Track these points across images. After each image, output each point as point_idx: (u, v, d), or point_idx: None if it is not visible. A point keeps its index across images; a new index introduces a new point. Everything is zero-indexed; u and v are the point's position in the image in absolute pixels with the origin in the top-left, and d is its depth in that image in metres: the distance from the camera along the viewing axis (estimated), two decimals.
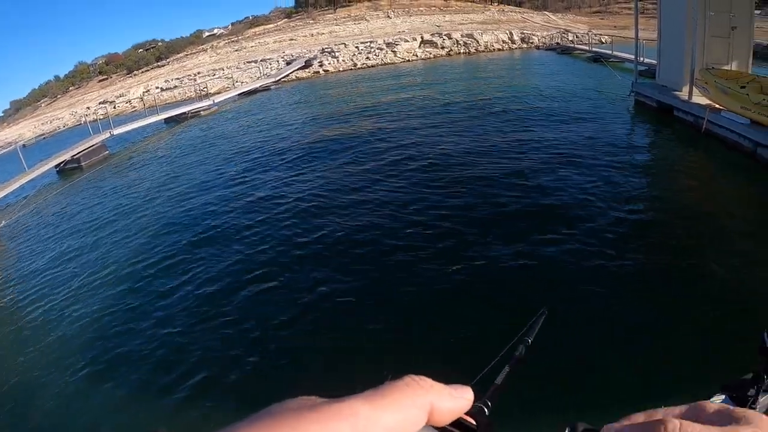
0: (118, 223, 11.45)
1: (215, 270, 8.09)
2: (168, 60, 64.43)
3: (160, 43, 77.17)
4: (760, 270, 6.43)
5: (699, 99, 12.78)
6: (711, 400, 1.46)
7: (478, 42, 45.92)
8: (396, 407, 0.36)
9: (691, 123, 12.86)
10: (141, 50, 76.79)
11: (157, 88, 44.98)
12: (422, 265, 7.47)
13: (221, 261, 8.39)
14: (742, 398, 1.53)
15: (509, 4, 68.87)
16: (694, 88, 12.93)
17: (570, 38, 43.92)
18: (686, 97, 13.30)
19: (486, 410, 0.81)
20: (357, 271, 7.59)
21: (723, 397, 1.61)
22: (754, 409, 1.45)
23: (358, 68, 41.88)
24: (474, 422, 0.46)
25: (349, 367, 5.21)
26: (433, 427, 0.41)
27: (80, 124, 28.17)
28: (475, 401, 0.80)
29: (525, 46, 45.93)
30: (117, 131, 23.49)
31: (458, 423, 0.45)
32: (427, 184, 10.77)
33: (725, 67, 13.26)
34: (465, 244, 7.92)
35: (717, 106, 11.91)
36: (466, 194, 9.97)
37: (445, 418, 0.42)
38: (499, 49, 45.60)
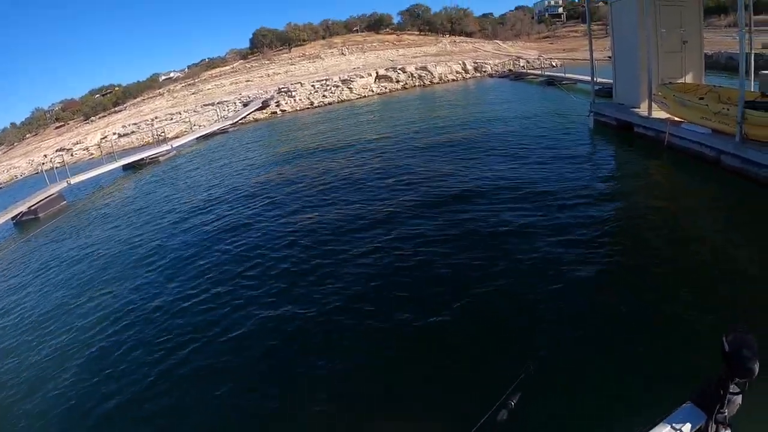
0: (73, 283, 10.69)
1: (180, 332, 7.51)
2: (125, 105, 63.25)
3: (116, 88, 75.84)
4: (731, 270, 6.68)
5: (658, 114, 12.99)
6: (680, 408, 1.56)
7: (432, 74, 46.40)
8: None
9: (652, 138, 13.00)
10: (98, 95, 75.36)
11: (114, 134, 43.86)
12: (387, 309, 7.10)
13: (186, 326, 7.78)
14: (709, 404, 1.53)
15: (460, 35, 70.27)
16: (652, 103, 13.08)
17: (522, 64, 44.93)
18: (645, 113, 13.50)
19: None
20: (320, 320, 7.16)
21: (690, 405, 1.60)
22: (722, 413, 1.50)
23: (315, 107, 41.68)
24: None
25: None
26: None
27: (37, 172, 27.12)
28: None
29: (478, 74, 46.61)
30: (74, 180, 22.61)
31: None
32: (390, 220, 10.55)
33: (680, 81, 13.50)
34: (433, 281, 7.63)
35: (677, 119, 12.14)
36: (433, 227, 9.73)
37: None
38: (453, 80, 46.12)
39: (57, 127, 65.60)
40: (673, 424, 1.56)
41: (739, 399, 1.51)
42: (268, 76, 56.86)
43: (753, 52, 11.65)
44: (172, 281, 9.42)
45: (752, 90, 11.17)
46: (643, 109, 13.90)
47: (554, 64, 42.02)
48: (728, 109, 10.33)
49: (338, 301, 7.48)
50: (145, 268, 10.43)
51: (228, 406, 5.58)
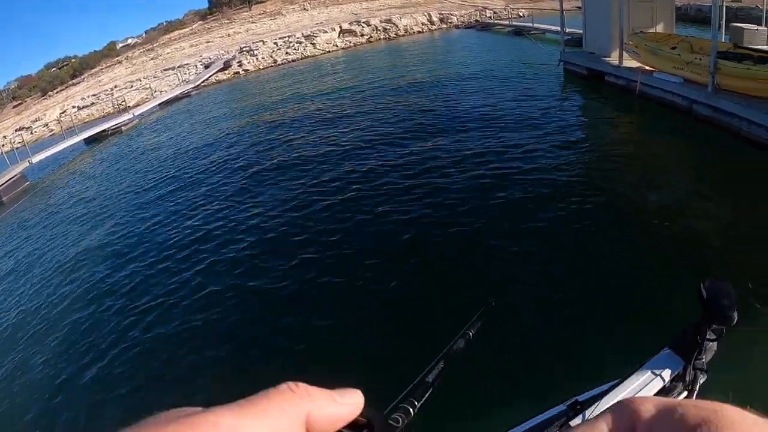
0: (44, 264, 10.33)
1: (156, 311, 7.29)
2: (83, 76, 60.71)
3: (73, 60, 72.80)
4: (701, 220, 6.79)
5: (629, 63, 12.87)
6: (658, 355, 1.61)
7: (397, 26, 45.39)
8: (263, 416, 0.34)
9: (623, 87, 12.95)
10: (54, 69, 72.32)
11: (73, 107, 42.03)
12: (360, 260, 7.23)
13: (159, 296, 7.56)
14: (687, 350, 1.57)
15: None
16: (624, 52, 12.94)
17: (488, 15, 44.13)
18: (616, 62, 13.37)
19: (412, 410, 0.94)
20: (295, 265, 7.36)
21: (668, 351, 1.63)
22: (700, 360, 1.53)
23: (279, 64, 40.49)
24: (368, 422, 0.45)
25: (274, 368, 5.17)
26: None
27: None
28: (401, 401, 0.97)
29: (444, 26, 45.74)
30: (36, 159, 21.53)
31: (353, 425, 0.43)
32: (361, 175, 10.44)
33: (650, 31, 13.40)
34: (404, 232, 7.70)
35: (648, 68, 12.04)
36: (402, 177, 9.76)
37: (327, 427, 0.39)
38: (419, 32, 45.16)
39: (15, 106, 62.78)
40: (653, 370, 1.58)
41: (715, 346, 1.54)
42: (229, 35, 55.18)
43: (724, 4, 11.45)
44: (141, 252, 9.22)
45: (723, 41, 11.14)
46: (614, 59, 13.79)
47: (521, 14, 41.41)
48: (701, 59, 10.30)
49: (309, 249, 7.65)
50: (114, 243, 10.10)
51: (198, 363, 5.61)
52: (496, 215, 7.66)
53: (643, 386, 1.54)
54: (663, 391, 1.55)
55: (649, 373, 1.57)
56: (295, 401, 0.37)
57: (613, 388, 1.54)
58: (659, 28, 14.05)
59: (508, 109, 13.32)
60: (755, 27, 13.11)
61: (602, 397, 1.51)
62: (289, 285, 6.91)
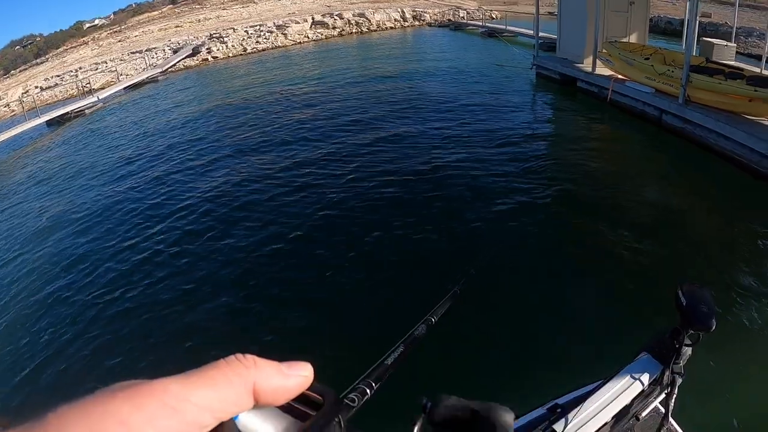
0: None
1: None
2: (47, 56, 58.44)
3: (38, 38, 70.30)
4: (671, 227, 6.99)
5: (602, 70, 13.04)
6: (637, 359, 1.65)
7: (370, 21, 45.16)
8: (211, 385, 0.36)
9: (595, 93, 13.15)
10: (18, 47, 69.77)
11: (36, 87, 40.42)
12: (323, 238, 7.40)
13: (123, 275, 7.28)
14: (665, 354, 1.60)
15: None
16: (597, 60, 13.12)
17: (461, 14, 44.28)
18: (589, 69, 13.54)
19: (368, 390, 0.95)
20: (258, 242, 7.48)
21: (647, 356, 1.66)
22: (677, 364, 1.56)
23: (249, 53, 39.81)
24: (320, 398, 0.45)
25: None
26: (279, 407, 0.42)
27: None
28: (359, 381, 0.98)
29: (417, 23, 45.72)
30: None
31: (305, 400, 0.44)
32: (329, 164, 10.42)
33: (623, 40, 13.62)
34: (375, 222, 7.70)
35: (621, 76, 12.21)
36: (372, 173, 9.64)
37: (275, 398, 0.40)
38: (391, 27, 45.05)
39: None
40: (632, 374, 1.61)
41: (690, 350, 1.57)
42: (199, 21, 54.04)
43: (698, 19, 11.68)
44: (104, 232, 9.03)
45: (695, 55, 11.40)
46: (587, 65, 13.98)
47: (494, 16, 41.70)
48: (673, 71, 10.50)
49: (279, 236, 7.60)
50: (77, 224, 9.73)
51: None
52: (465, 204, 7.88)
53: (623, 390, 1.57)
54: (642, 394, 1.59)
55: (629, 377, 1.60)
56: (241, 371, 0.37)
57: (593, 392, 1.57)
58: (632, 38, 14.31)
59: (480, 104, 13.56)
60: (725, 43, 13.49)
61: (583, 401, 1.53)
62: (250, 257, 6.98)
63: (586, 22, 13.90)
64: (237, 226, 8.13)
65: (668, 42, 18.40)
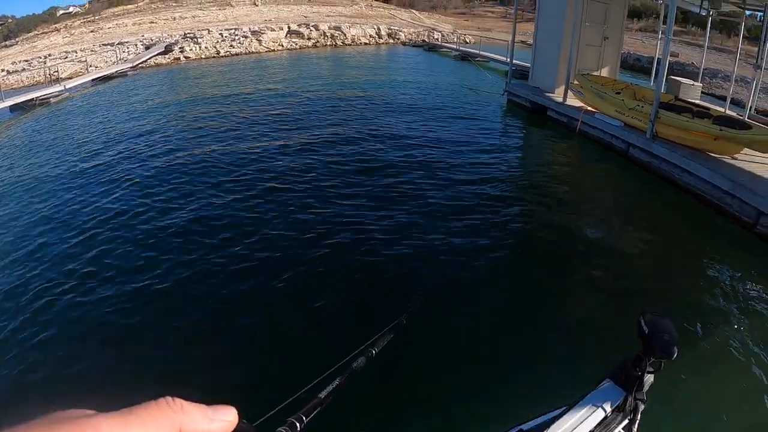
0: None
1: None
2: (17, 39, 56.75)
3: (9, 20, 68.39)
4: (635, 256, 7.03)
5: (572, 101, 13.27)
6: (600, 386, 1.68)
7: (345, 35, 45.26)
8: (141, 426, 0.37)
9: (564, 123, 13.36)
10: None
11: (2, 70, 39.10)
12: (272, 252, 7.02)
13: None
14: (627, 382, 1.63)
15: (377, 0, 69.24)
16: (568, 91, 13.31)
17: (436, 36, 44.79)
18: (560, 99, 13.76)
19: (298, 425, 0.95)
20: (210, 251, 7.08)
21: (610, 383, 1.69)
22: (640, 391, 1.61)
23: (222, 56, 39.36)
24: None
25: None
26: None
27: None
28: (292, 416, 0.96)
29: (392, 41, 46.08)
30: None
31: None
32: (285, 176, 10.15)
33: (595, 73, 13.88)
34: (324, 238, 7.41)
35: (591, 108, 12.41)
36: (333, 191, 9.36)
37: None
38: (365, 43, 45.27)
39: None
40: (595, 401, 1.63)
41: (651, 378, 1.62)
42: (174, 19, 53.25)
43: (669, 58, 11.98)
44: (52, 226, 8.54)
45: (664, 92, 11.65)
46: (558, 95, 14.21)
47: (468, 40, 42.26)
48: (642, 106, 10.76)
49: (231, 249, 7.16)
50: (26, 214, 9.28)
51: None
52: (422, 228, 7.62)
53: (586, 416, 1.60)
54: (605, 421, 1.62)
55: (591, 404, 1.63)
56: (169, 415, 0.39)
57: (558, 418, 1.60)
58: (604, 71, 14.71)
59: (448, 126, 13.65)
60: (691, 82, 13.92)
61: (547, 427, 1.56)
62: (190, 273, 6.58)
63: (559, 54, 14.19)
64: (169, 238, 7.67)
65: (635, 77, 18.91)
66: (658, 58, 16.65)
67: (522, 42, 27.01)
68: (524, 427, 1.65)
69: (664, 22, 13.16)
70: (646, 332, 1.54)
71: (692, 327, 5.20)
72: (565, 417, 1.60)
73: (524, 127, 14.67)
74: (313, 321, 5.54)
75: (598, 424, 1.60)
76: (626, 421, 1.63)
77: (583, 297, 5.98)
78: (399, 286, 6.14)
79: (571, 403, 1.65)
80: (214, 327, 5.55)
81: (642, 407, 1.62)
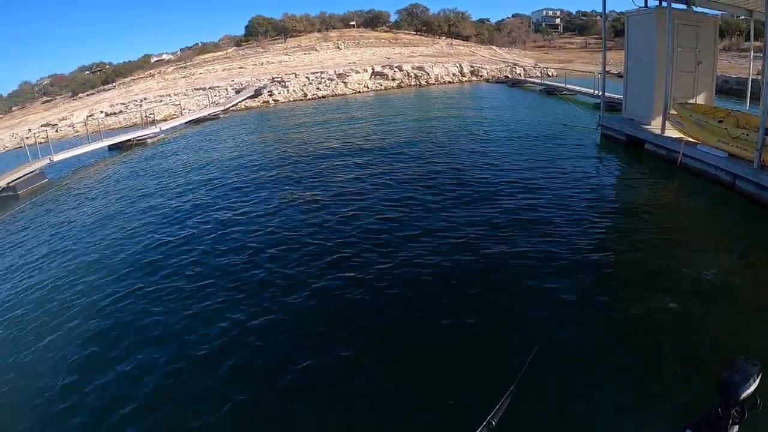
0: (54, 265, 10.10)
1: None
2: (114, 84, 61.93)
3: (107, 66, 74.82)
4: (734, 300, 6.49)
5: (671, 132, 12.93)
6: None
7: (428, 74, 46.20)
8: None
9: (663, 156, 12.92)
10: (87, 72, 74.29)
11: (101, 112, 42.63)
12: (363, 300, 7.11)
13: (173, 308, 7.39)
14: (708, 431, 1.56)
15: (456, 38, 70.27)
16: (666, 122, 12.98)
17: (518, 71, 44.82)
18: (658, 131, 13.43)
19: None
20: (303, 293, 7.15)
21: None
22: None
23: (309, 99, 41.23)
24: None
25: None
26: None
27: (20, 146, 25.93)
28: None
29: (474, 78, 46.57)
30: (57, 157, 21.74)
31: None
32: (371, 221, 10.35)
33: (691, 101, 13.51)
34: (429, 297, 7.21)
35: (691, 139, 12.01)
36: (430, 236, 9.33)
37: None
38: (449, 82, 45.98)
39: (44, 102, 64.05)
40: None
41: (736, 428, 1.55)
42: (262, 64, 56.26)
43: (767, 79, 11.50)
44: (151, 266, 9.15)
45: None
46: (655, 127, 13.89)
47: (551, 73, 42.10)
48: (748, 135, 10.34)
49: (327, 290, 7.37)
50: (123, 251, 10.10)
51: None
52: (515, 270, 7.56)
53: None
54: None
55: None
56: None
57: None
58: (700, 98, 14.19)
59: (542, 165, 13.50)
60: None
61: None
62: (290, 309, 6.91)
63: (654, 83, 13.91)
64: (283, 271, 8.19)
65: (722, 100, 17.94)
66: (752, 79, 15.96)
67: (609, 73, 26.63)
68: None
69: (747, 39, 12.60)
70: (732, 380, 1.51)
71: None
72: None
73: (622, 162, 14.24)
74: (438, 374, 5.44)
75: None
76: None
77: (670, 341, 5.65)
78: (499, 353, 5.70)
79: None
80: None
81: None
